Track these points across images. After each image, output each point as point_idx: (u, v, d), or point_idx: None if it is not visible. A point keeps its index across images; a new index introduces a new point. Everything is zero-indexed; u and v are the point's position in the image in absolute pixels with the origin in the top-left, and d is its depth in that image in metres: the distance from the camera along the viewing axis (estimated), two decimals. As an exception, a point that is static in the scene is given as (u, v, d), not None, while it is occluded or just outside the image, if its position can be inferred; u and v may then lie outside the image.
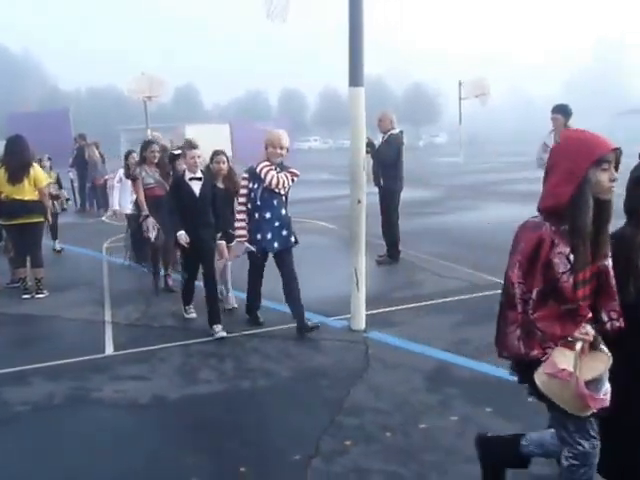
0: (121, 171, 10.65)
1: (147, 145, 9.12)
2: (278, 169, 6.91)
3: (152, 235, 8.79)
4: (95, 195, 19.53)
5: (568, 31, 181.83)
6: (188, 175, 7.20)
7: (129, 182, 9.66)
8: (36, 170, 9.07)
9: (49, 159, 12.89)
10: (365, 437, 4.66)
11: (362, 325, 7.08)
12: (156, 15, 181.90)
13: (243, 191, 7.11)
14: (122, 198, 10.52)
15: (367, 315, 7.15)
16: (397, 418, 4.94)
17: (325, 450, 4.48)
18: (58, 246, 12.73)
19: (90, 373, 6.11)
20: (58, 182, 12.52)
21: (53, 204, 11.36)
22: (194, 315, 7.74)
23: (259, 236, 6.96)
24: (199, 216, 7.12)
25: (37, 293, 9.09)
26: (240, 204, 7.19)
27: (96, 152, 19.23)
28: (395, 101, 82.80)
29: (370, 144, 9.44)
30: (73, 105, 63.35)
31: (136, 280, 9.74)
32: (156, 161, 8.97)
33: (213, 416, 5.16)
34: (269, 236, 6.92)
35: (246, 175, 7.10)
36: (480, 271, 9.41)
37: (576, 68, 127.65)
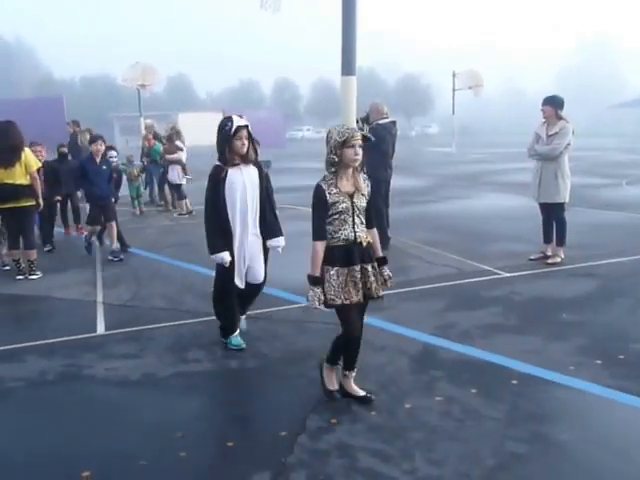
0: None
1: None
2: None
3: None
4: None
5: (558, 27, 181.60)
6: None
7: None
8: (27, 154, 9.09)
9: None
10: (351, 416, 4.73)
11: (350, 309, 7.14)
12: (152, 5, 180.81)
13: None
14: None
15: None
16: (382, 398, 5.01)
17: (311, 427, 4.55)
18: None
19: (82, 351, 6.16)
20: None
21: None
22: None
23: None
24: None
25: (30, 274, 9.14)
26: None
27: (88, 138, 19.17)
28: (387, 92, 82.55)
29: (365, 119, 9.40)
30: (67, 93, 63.07)
31: (128, 263, 9.78)
32: None
33: (202, 393, 5.23)
34: None
35: None
36: (467, 258, 9.51)
37: (566, 63, 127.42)
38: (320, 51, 79.94)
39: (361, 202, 4.65)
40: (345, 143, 4.47)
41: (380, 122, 10.22)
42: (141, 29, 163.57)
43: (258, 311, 7.28)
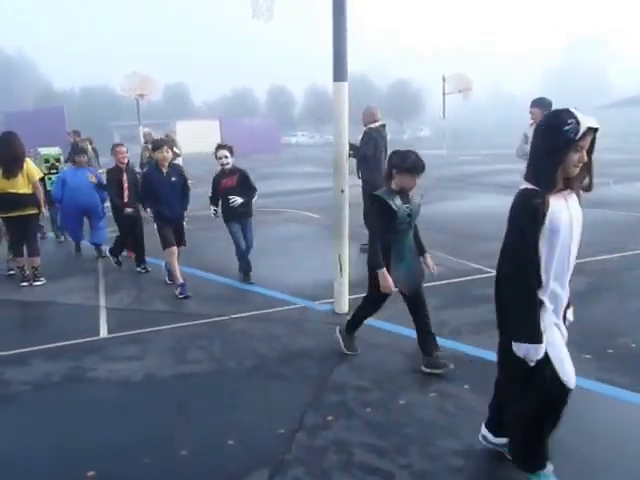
0: None
1: None
2: None
3: None
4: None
5: (541, 30, 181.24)
6: None
7: None
8: (29, 164, 9.09)
9: None
10: (347, 412, 4.75)
11: (345, 308, 7.14)
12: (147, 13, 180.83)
13: None
14: None
15: (350, 299, 7.21)
16: (378, 395, 5.03)
17: (309, 425, 4.57)
18: None
19: (86, 354, 6.18)
20: None
21: None
22: None
23: None
24: None
25: (35, 281, 9.12)
26: None
27: (89, 147, 19.14)
28: (380, 97, 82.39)
29: (353, 147, 9.35)
30: (67, 103, 63.08)
31: (129, 268, 9.78)
32: None
33: (202, 393, 5.23)
34: None
35: None
36: (460, 258, 9.51)
37: (551, 65, 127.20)
38: (317, 55, 79.91)
39: None
40: None
41: (371, 126, 10.25)
42: (140, 29, 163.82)
43: (256, 312, 7.31)
